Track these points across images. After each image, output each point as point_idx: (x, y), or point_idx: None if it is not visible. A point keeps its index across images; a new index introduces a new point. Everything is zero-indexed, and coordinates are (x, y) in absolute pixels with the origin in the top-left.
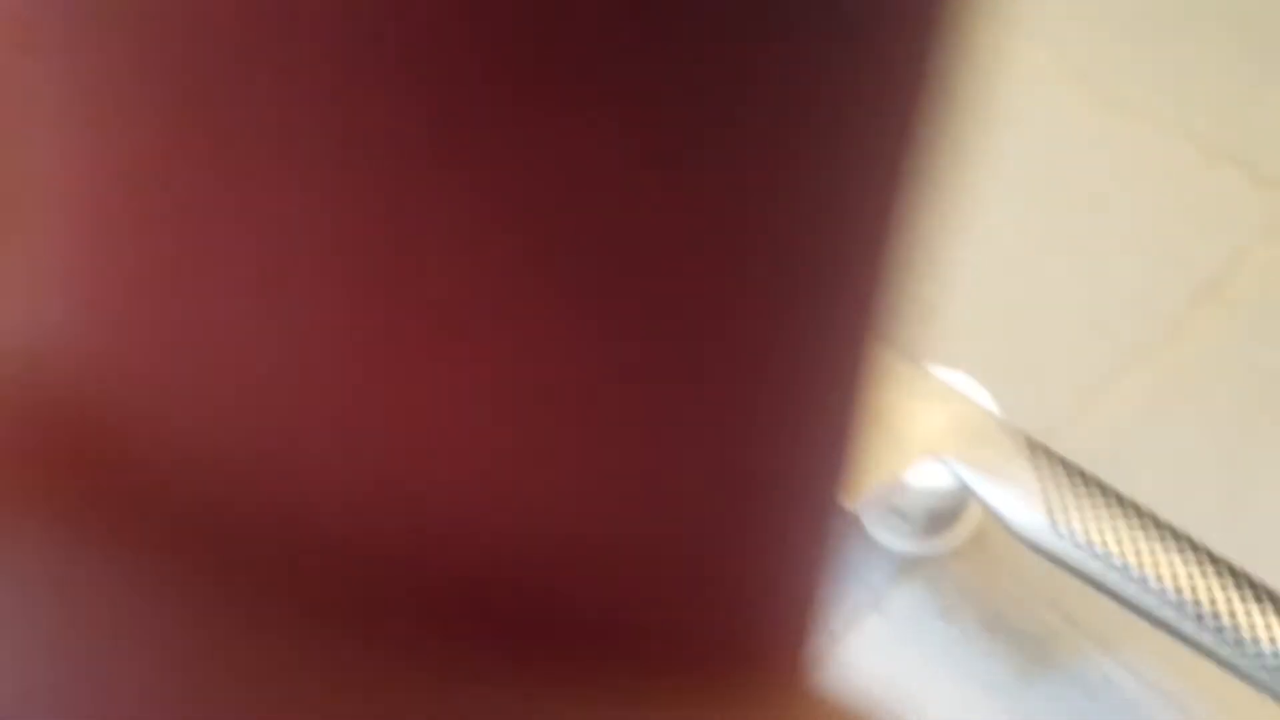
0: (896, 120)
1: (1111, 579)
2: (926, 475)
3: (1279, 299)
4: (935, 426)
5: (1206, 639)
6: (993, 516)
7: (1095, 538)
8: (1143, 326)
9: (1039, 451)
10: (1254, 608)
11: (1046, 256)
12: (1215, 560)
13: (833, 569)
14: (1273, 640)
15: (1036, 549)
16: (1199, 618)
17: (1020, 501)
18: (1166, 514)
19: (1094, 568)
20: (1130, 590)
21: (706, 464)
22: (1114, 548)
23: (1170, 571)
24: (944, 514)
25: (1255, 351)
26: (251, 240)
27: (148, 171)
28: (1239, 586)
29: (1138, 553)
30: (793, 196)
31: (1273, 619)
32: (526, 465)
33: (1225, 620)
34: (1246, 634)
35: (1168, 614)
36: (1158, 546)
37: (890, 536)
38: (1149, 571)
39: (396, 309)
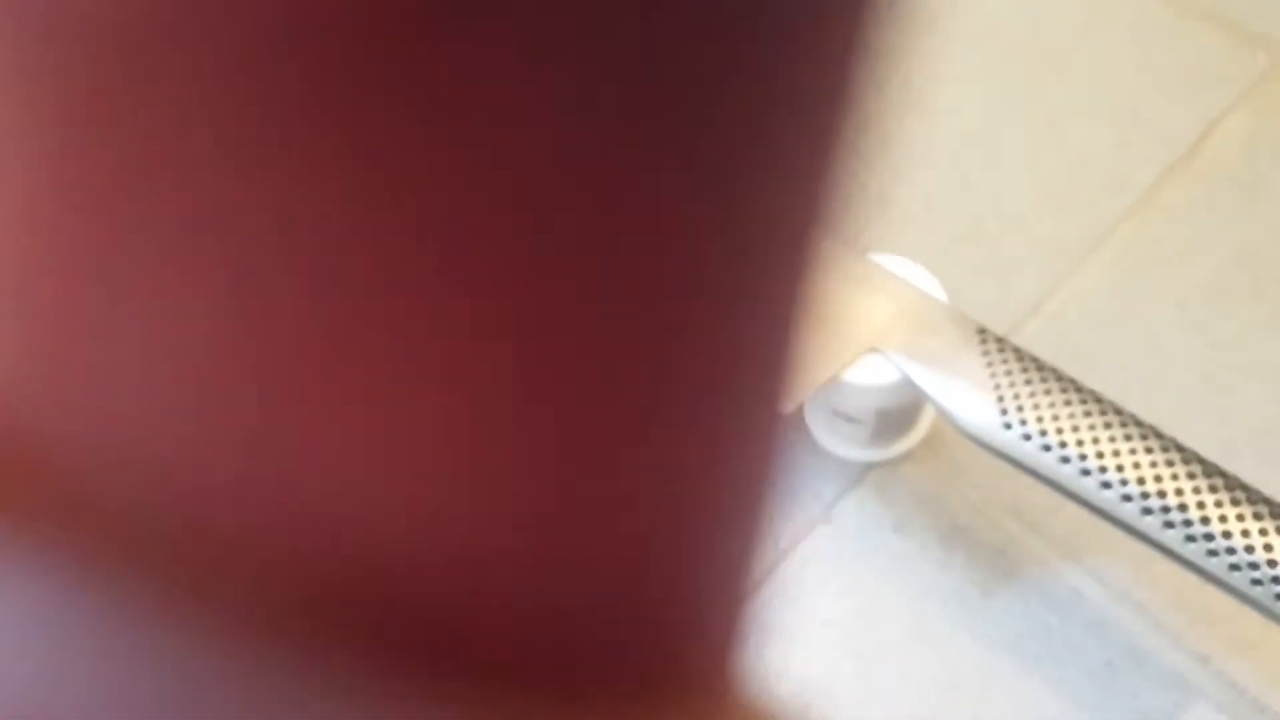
0: None
1: (1071, 478)
2: (871, 372)
3: (1255, 169)
4: (877, 318)
5: (1178, 542)
6: (944, 415)
7: (1052, 432)
8: (1110, 203)
9: (990, 340)
10: (1228, 506)
11: (1005, 129)
12: (1186, 454)
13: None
14: (1249, 542)
15: (989, 447)
16: (1168, 519)
17: (970, 395)
18: (1137, 406)
19: (1052, 465)
20: (1092, 490)
21: (636, 462)
22: (1073, 443)
23: (1136, 468)
24: (894, 415)
25: (1229, 226)
26: (155, 272)
27: (49, 198)
28: (1212, 483)
29: (1099, 448)
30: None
31: (1249, 518)
32: (449, 485)
33: (1197, 521)
34: (1220, 536)
35: (1134, 516)
36: (1121, 440)
37: (838, 442)
38: (1112, 468)
39: (312, 331)
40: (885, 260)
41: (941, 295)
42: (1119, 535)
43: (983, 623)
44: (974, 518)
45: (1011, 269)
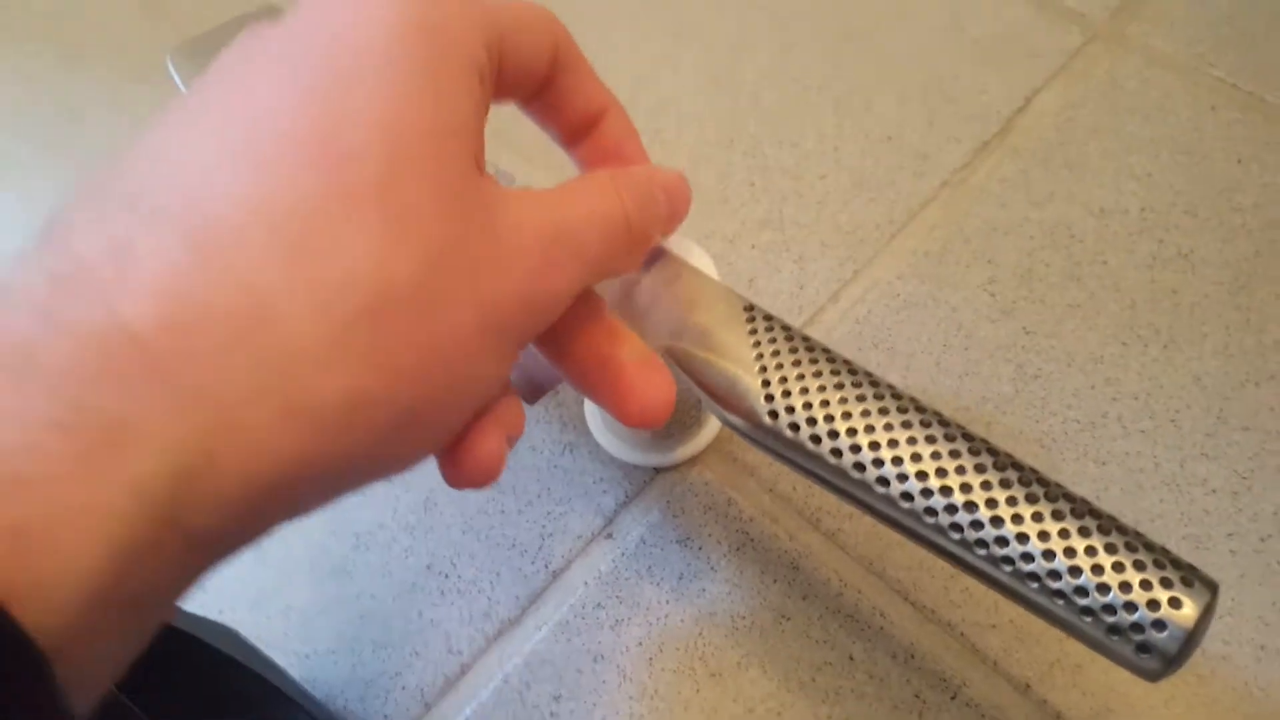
0: None
1: (844, 472)
2: None
3: (1069, 148)
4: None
5: (965, 549)
6: (702, 402)
7: (821, 420)
8: (916, 184)
9: (759, 318)
10: (1024, 505)
11: (808, 109)
12: (974, 444)
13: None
14: (1048, 546)
15: (751, 439)
16: (955, 521)
17: (732, 378)
18: (947, 397)
19: (823, 458)
20: (868, 486)
21: None
22: (844, 431)
23: (916, 460)
24: (678, 412)
25: (1043, 206)
26: None
27: None
28: (1005, 477)
29: (874, 437)
30: None
31: (1048, 517)
32: None
33: (988, 523)
34: (1016, 540)
35: (915, 517)
36: (899, 428)
37: (620, 446)
38: (888, 460)
39: None
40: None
41: (713, 272)
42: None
43: (777, 652)
44: (767, 526)
45: (813, 255)
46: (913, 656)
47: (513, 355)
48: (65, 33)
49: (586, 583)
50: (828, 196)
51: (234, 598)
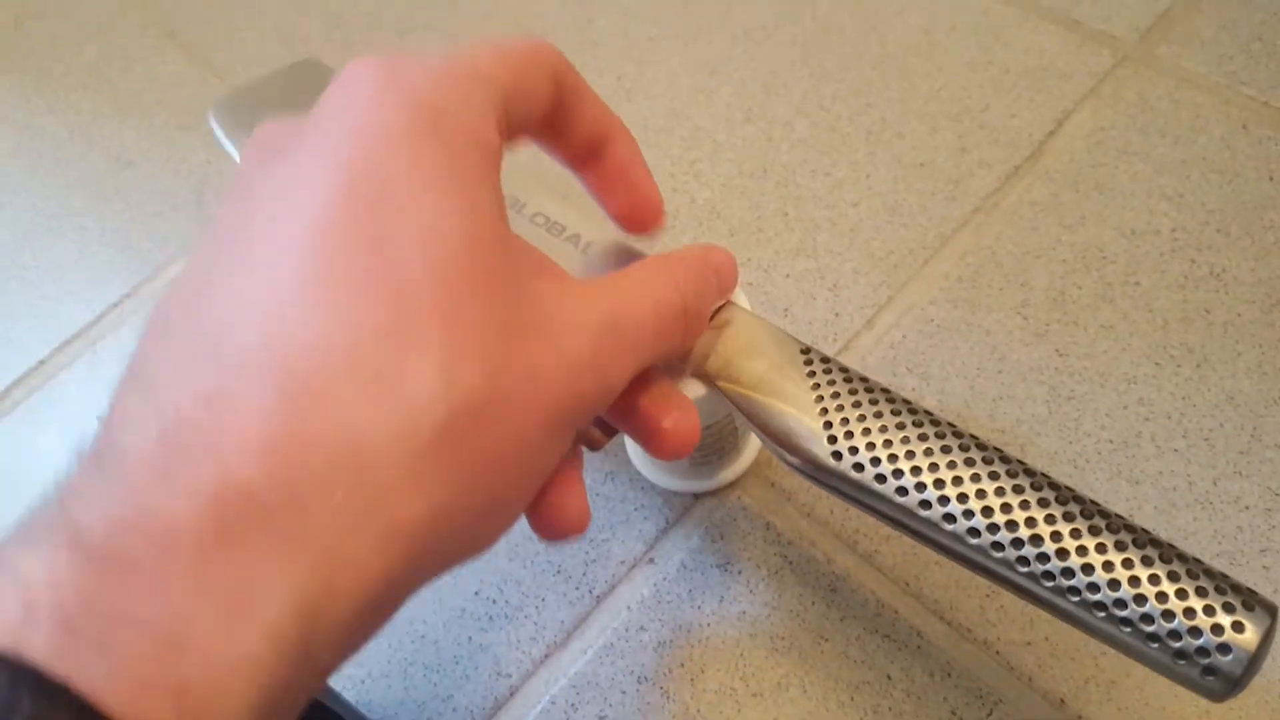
0: None
1: (909, 509)
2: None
3: (1100, 170)
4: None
5: (1032, 581)
6: (767, 446)
7: (885, 460)
8: (949, 210)
9: (816, 361)
10: (1087, 537)
11: (841, 137)
12: (1036, 480)
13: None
14: (1112, 577)
15: (818, 481)
16: (1022, 554)
17: (795, 423)
18: (982, 420)
19: (888, 496)
20: (934, 522)
21: None
22: (908, 470)
23: (980, 496)
24: (714, 440)
25: (1075, 229)
26: None
27: None
28: (1068, 510)
29: (938, 475)
30: None
31: (1111, 549)
32: None
33: (1054, 555)
34: (1081, 571)
35: (981, 550)
36: (962, 466)
37: (659, 474)
38: (954, 498)
39: None
40: None
41: (745, 302)
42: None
43: (816, 672)
44: (805, 549)
45: (847, 282)
46: (949, 675)
47: (573, 435)
48: (114, 82)
49: (630, 607)
50: (860, 224)
51: None
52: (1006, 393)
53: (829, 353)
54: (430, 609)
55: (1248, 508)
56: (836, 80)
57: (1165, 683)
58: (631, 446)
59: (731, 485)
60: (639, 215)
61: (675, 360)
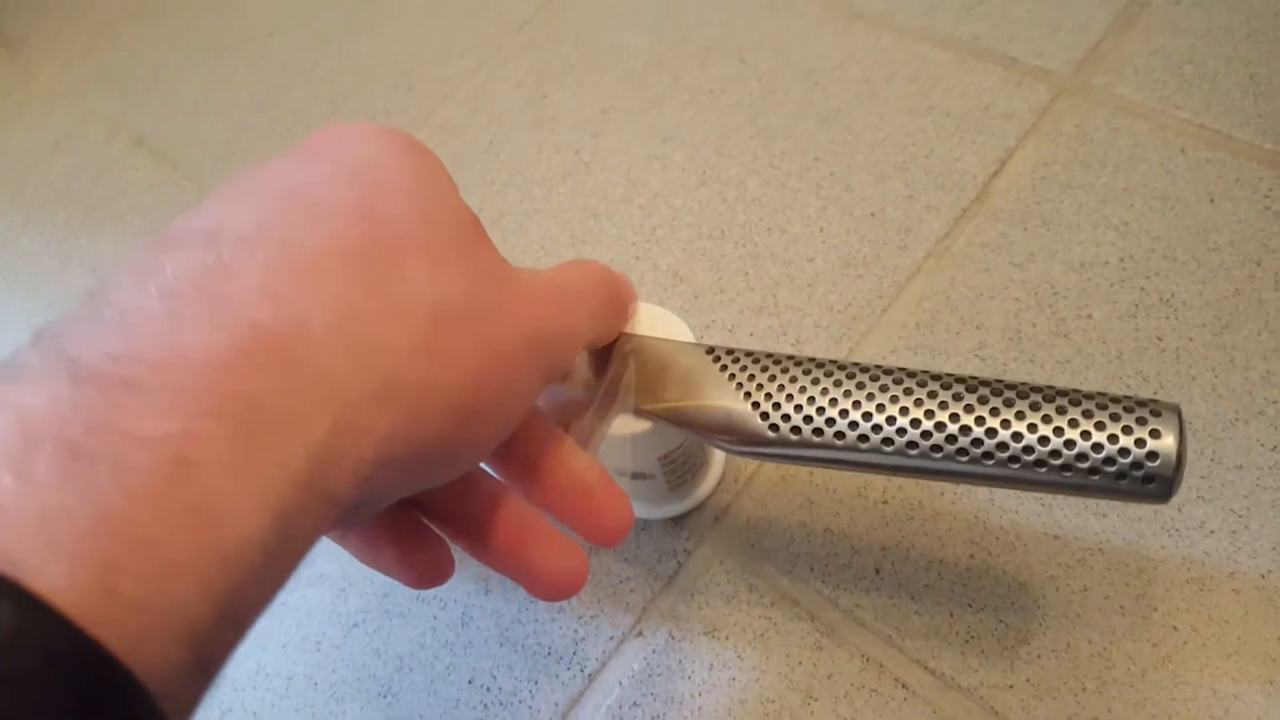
0: None
1: (850, 449)
2: (629, 422)
3: (1046, 204)
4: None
5: (973, 466)
6: (711, 443)
7: (815, 416)
8: (900, 258)
9: (723, 354)
10: (1005, 411)
11: (792, 196)
12: (946, 383)
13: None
14: (1040, 434)
15: (764, 456)
16: (957, 449)
17: (723, 414)
18: None
19: (827, 446)
20: (876, 453)
21: None
22: (836, 417)
23: (904, 415)
24: (685, 459)
25: (1026, 266)
26: None
27: None
28: (979, 396)
29: (864, 410)
30: None
31: (1030, 413)
32: None
33: (981, 439)
34: (1008, 441)
35: (925, 460)
36: (879, 394)
37: (641, 506)
38: (884, 425)
39: None
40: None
41: (688, 334)
42: (941, 614)
43: None
44: (788, 609)
45: (808, 336)
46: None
47: (543, 380)
48: (86, 193)
49: (621, 683)
50: (818, 278)
51: None
52: None
53: (743, 345)
54: (425, 702)
55: (1213, 532)
56: (784, 138)
57: (1146, 715)
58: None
59: (712, 548)
60: None
61: (606, 342)
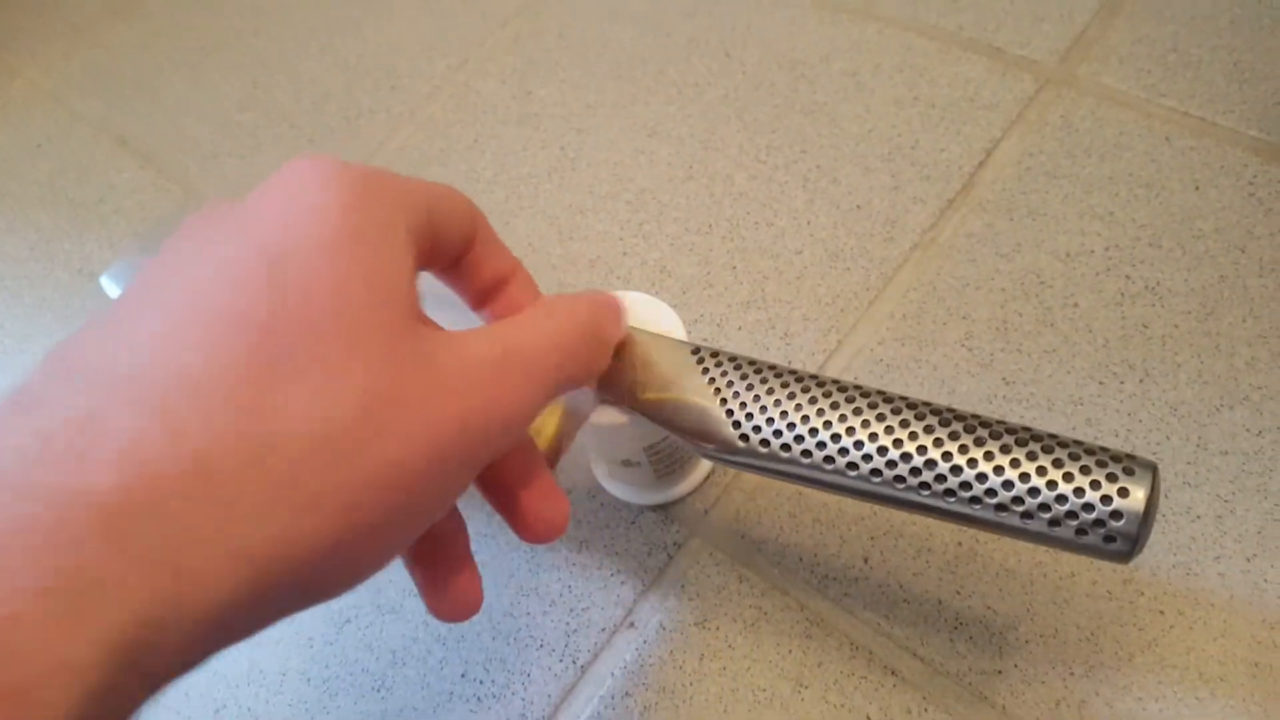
0: None
1: (814, 468)
2: (614, 411)
3: (1032, 194)
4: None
5: (936, 500)
6: (683, 443)
7: (785, 432)
8: (887, 250)
9: (707, 356)
10: (974, 450)
11: (779, 189)
12: (921, 413)
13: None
14: (1005, 479)
15: (731, 461)
16: (920, 483)
17: (699, 415)
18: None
19: (792, 462)
20: (839, 475)
21: None
22: (806, 435)
23: (873, 441)
24: (672, 451)
25: (1012, 256)
26: None
27: None
28: (950, 431)
29: (833, 432)
30: None
31: (998, 454)
32: None
33: (945, 475)
34: (972, 481)
35: (888, 488)
36: (851, 416)
37: (629, 491)
38: (850, 448)
39: None
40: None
41: (680, 329)
42: (929, 602)
43: (798, 719)
44: (778, 599)
45: (797, 329)
46: (926, 710)
47: (464, 477)
48: (70, 195)
49: (613, 674)
50: (806, 271)
51: (281, 718)
52: None
53: (729, 349)
54: (418, 696)
55: (1199, 517)
56: (770, 131)
57: (1133, 698)
58: (598, 466)
59: (702, 540)
60: None
61: (585, 385)
